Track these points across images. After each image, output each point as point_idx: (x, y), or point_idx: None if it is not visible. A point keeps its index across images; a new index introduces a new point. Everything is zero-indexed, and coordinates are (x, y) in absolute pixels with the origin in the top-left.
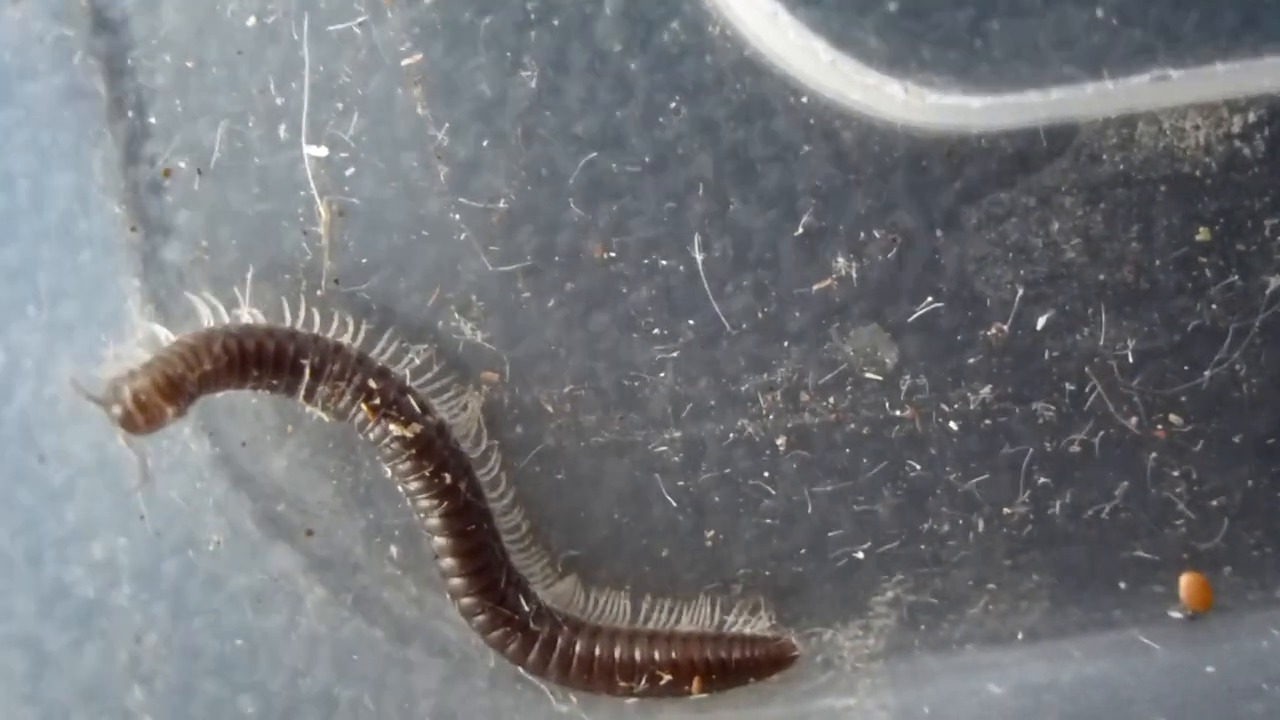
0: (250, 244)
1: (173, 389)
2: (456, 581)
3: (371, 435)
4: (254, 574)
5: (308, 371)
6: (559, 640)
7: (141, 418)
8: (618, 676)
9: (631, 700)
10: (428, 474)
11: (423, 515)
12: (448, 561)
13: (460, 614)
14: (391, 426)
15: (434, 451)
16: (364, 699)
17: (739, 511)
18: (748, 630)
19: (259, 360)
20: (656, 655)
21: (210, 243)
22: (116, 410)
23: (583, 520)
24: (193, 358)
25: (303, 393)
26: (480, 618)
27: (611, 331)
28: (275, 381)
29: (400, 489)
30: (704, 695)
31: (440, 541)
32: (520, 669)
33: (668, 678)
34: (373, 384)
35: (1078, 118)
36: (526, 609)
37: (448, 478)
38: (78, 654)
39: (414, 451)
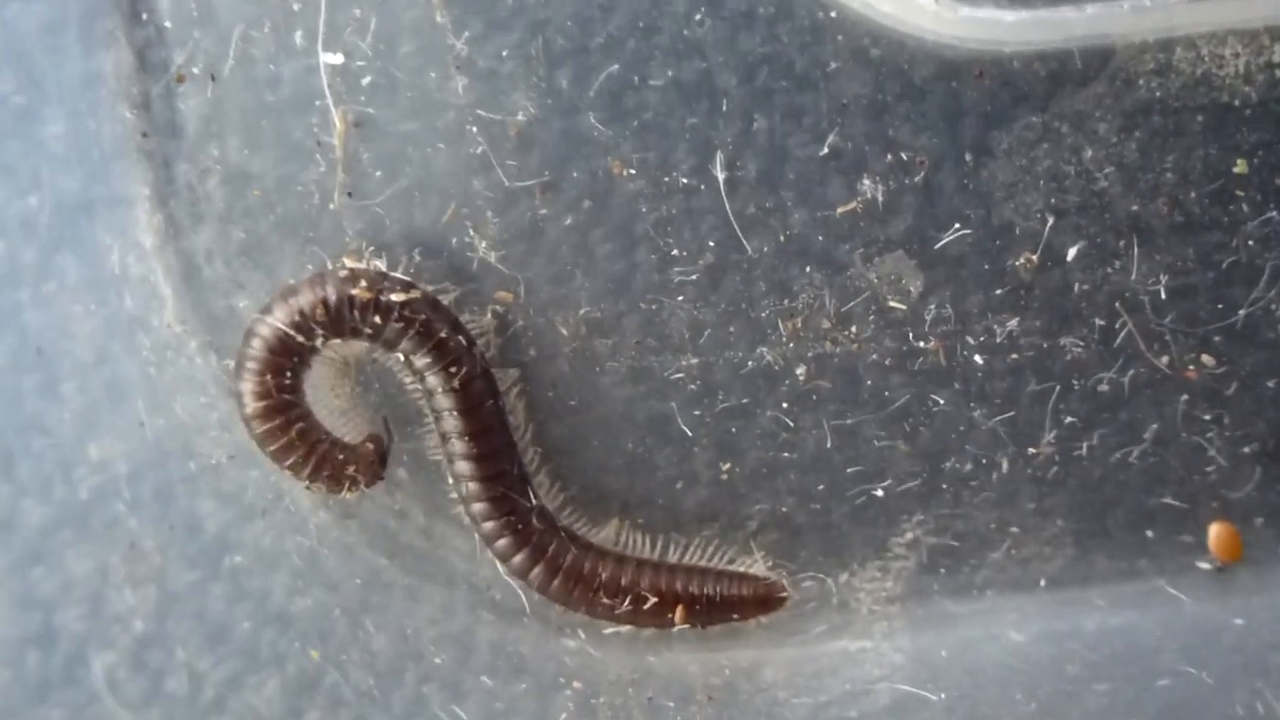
0: (262, 154)
1: (320, 461)
2: (464, 465)
3: (376, 320)
4: (258, 493)
5: (296, 331)
6: (551, 546)
7: (365, 475)
8: (602, 594)
9: (615, 629)
10: (443, 335)
11: (436, 394)
12: (458, 444)
13: (462, 501)
14: (392, 298)
15: (438, 315)
16: (365, 622)
17: (756, 444)
18: (743, 569)
19: (275, 371)
20: (643, 580)
21: (221, 152)
22: (363, 483)
23: (595, 449)
24: (285, 440)
25: (320, 343)
26: (481, 505)
27: (629, 252)
28: (296, 360)
29: (413, 377)
30: (687, 626)
31: (452, 422)
32: (504, 569)
33: (652, 601)
34: (352, 269)
35: (1114, 38)
36: (529, 505)
37: (462, 340)
38: (74, 556)
39: (422, 318)
